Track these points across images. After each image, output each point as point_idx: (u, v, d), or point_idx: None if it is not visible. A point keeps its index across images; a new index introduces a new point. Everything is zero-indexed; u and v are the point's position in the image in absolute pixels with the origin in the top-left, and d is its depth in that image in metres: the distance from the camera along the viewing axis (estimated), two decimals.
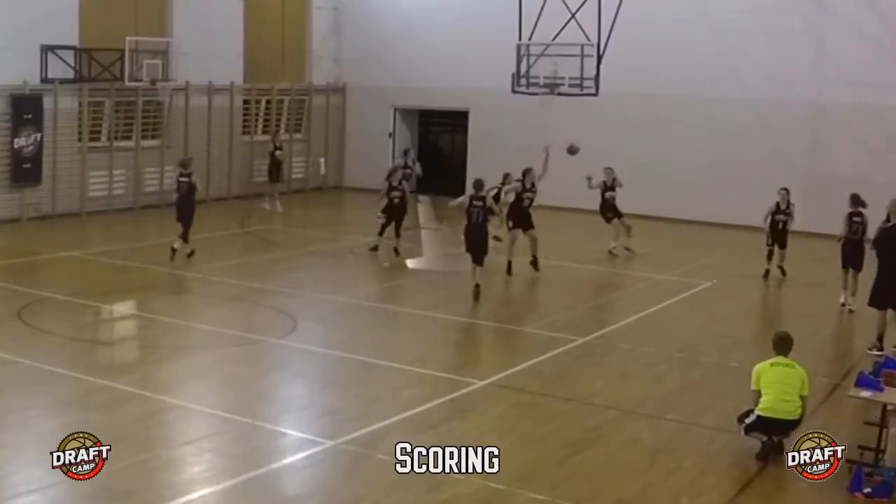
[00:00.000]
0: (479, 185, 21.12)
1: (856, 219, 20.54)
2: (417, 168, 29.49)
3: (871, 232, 18.84)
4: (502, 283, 22.50)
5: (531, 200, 23.05)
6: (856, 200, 20.66)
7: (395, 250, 24.68)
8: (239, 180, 33.46)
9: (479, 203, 20.82)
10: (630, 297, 21.91)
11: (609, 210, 25.82)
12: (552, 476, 11.68)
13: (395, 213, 24.67)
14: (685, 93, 31.17)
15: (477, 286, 20.60)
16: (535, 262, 22.93)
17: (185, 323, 18.16)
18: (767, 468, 12.12)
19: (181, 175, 23.66)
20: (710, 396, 14.91)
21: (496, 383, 15.11)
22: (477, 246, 20.85)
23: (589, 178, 25.43)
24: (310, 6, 36.64)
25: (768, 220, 23.47)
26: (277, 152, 31.79)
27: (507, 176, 24.80)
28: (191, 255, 23.19)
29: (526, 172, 23.25)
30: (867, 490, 11.28)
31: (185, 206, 23.31)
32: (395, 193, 24.56)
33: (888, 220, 17.34)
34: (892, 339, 17.24)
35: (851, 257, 20.59)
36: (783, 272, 23.60)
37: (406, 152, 29.76)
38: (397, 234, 24.75)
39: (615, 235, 25.73)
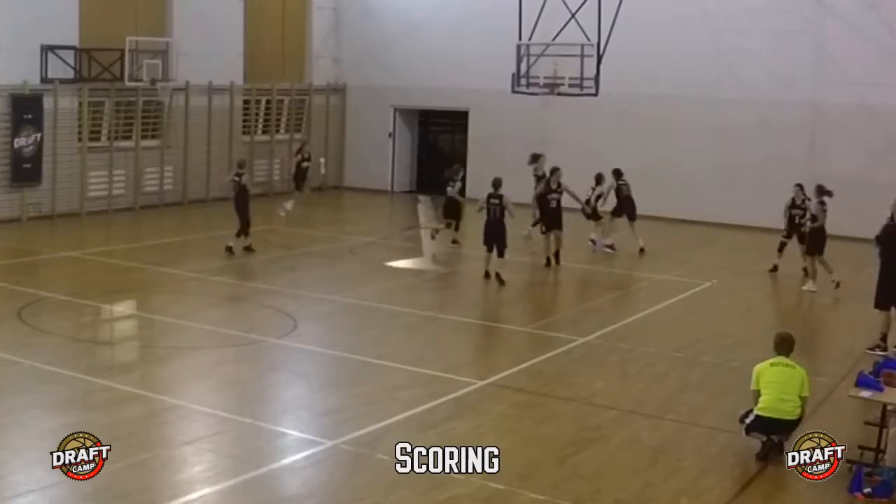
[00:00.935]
0: (497, 183, 22.09)
1: (825, 208, 21.89)
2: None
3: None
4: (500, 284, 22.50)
5: (558, 201, 24.00)
6: (822, 190, 22.19)
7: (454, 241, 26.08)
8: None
9: (496, 201, 21.88)
10: (630, 297, 21.95)
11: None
12: (552, 476, 11.68)
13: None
14: (685, 92, 31.20)
15: (487, 272, 21.90)
16: (549, 261, 23.96)
17: (185, 323, 18.13)
18: (767, 468, 12.12)
19: (235, 175, 24.48)
20: (710, 396, 14.92)
21: (496, 383, 15.11)
22: (492, 239, 21.90)
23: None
24: (310, 6, 36.72)
25: (787, 215, 24.11)
26: (304, 163, 30.93)
27: (599, 177, 25.84)
28: (248, 248, 24.13)
29: (553, 172, 24.29)
30: (867, 490, 11.30)
31: (237, 204, 24.18)
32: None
33: (892, 218, 17.29)
34: (893, 339, 17.27)
35: (821, 243, 21.95)
36: (807, 273, 23.35)
37: (537, 157, 28.47)
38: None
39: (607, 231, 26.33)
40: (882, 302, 17.27)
